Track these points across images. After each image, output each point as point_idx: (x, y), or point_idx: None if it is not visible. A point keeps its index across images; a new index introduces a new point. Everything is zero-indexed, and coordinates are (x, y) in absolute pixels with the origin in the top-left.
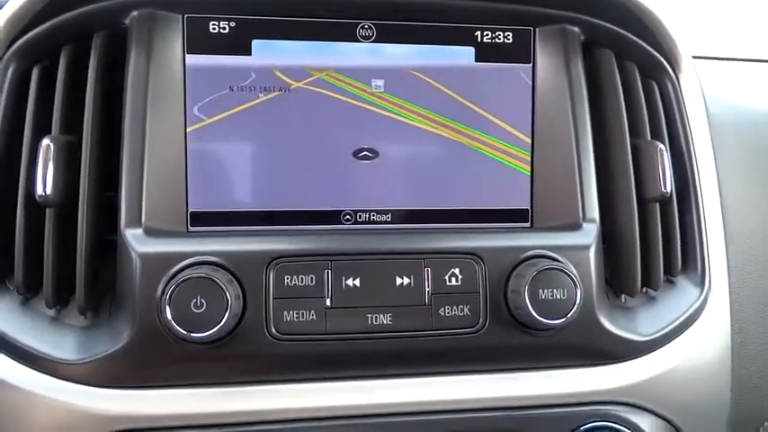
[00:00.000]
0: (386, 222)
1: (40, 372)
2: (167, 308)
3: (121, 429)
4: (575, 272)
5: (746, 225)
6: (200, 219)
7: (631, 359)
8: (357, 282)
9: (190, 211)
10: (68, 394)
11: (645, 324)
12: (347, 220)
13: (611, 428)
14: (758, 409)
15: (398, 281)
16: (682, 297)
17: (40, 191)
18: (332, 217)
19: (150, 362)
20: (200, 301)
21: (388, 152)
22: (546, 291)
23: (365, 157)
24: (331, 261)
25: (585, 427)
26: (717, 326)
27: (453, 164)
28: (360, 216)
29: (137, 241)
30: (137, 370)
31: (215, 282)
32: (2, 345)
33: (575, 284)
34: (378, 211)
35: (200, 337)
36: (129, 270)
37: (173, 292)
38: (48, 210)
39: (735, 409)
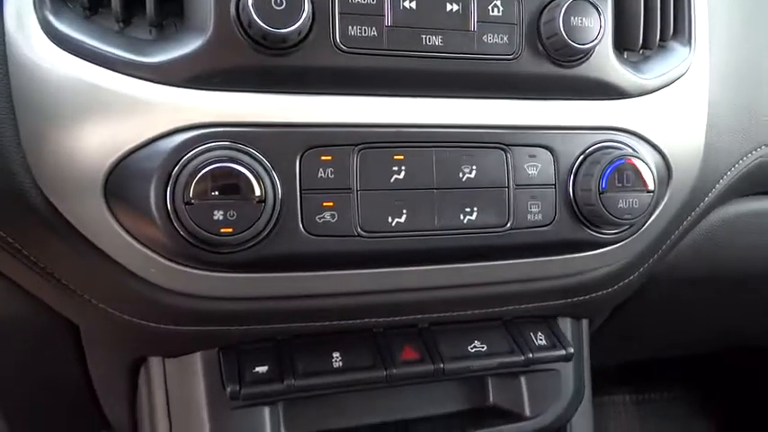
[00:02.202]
0: None
1: (120, 73)
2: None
3: (204, 123)
4: (598, 3)
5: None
6: None
7: (635, 97)
8: (414, 4)
9: None
10: (149, 92)
11: (646, 72)
12: None
13: (614, 147)
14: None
15: (449, 6)
16: (673, 55)
17: None
18: None
19: (225, 64)
20: (280, 1)
21: None
22: (576, 19)
23: None
24: None
25: (598, 144)
26: (700, 79)
27: None
28: None
29: None
30: (213, 71)
31: None
32: (79, 51)
33: (599, 14)
34: None
35: (281, 34)
36: None
37: None
38: None
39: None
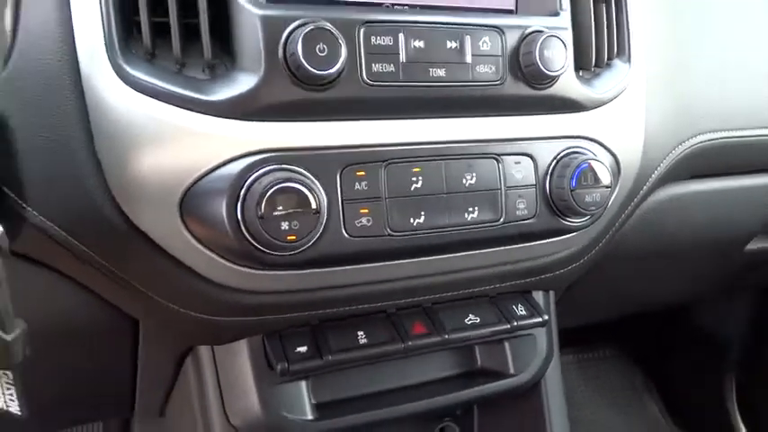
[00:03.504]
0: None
1: (185, 109)
2: (299, 46)
3: (262, 149)
4: (564, 39)
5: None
6: None
7: (591, 110)
8: (422, 44)
9: None
10: (213, 125)
11: (598, 87)
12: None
13: (579, 152)
14: (658, 150)
15: (449, 44)
16: (617, 72)
17: None
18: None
19: (274, 100)
20: (322, 47)
21: None
22: (548, 51)
23: None
24: (403, 27)
25: (567, 150)
26: (638, 91)
27: None
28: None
29: (256, 7)
30: (264, 107)
31: (329, 32)
32: (146, 90)
33: (565, 47)
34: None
35: (324, 75)
36: (250, 27)
37: (300, 39)
38: None
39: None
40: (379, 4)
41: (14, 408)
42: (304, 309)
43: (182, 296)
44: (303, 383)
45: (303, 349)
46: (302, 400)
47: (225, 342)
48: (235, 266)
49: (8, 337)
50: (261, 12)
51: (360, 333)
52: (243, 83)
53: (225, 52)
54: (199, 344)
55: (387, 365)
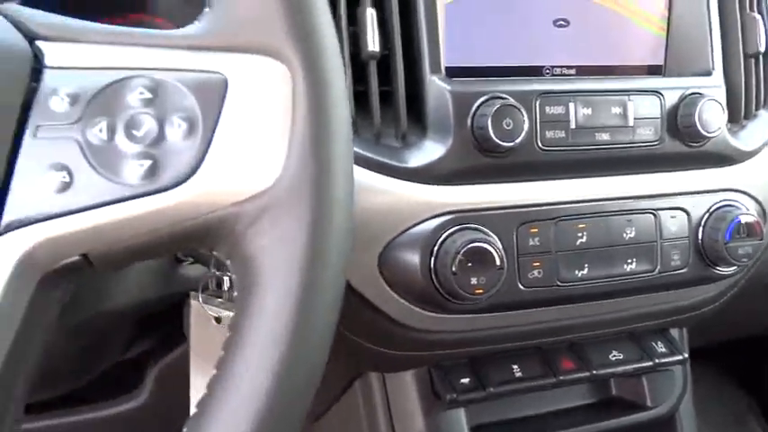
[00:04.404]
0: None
1: (384, 175)
2: (489, 121)
3: (450, 210)
4: (721, 101)
5: None
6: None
7: (740, 162)
8: (590, 111)
9: (444, 65)
10: (409, 189)
11: (746, 139)
12: (546, 72)
13: (732, 205)
14: None
15: (613, 110)
16: (763, 123)
17: (370, 47)
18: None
19: (462, 166)
20: (509, 121)
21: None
22: (705, 114)
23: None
24: (574, 97)
25: (719, 203)
26: None
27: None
28: (555, 70)
29: (445, 82)
30: (452, 172)
31: (515, 107)
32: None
33: (723, 109)
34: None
35: (508, 146)
36: (441, 101)
37: (490, 115)
38: (371, 63)
39: None
40: (541, 69)
41: None
42: (471, 345)
43: (368, 332)
44: (462, 410)
45: (466, 381)
46: (461, 424)
47: (394, 371)
48: (420, 310)
49: None
50: (451, 87)
51: (514, 367)
52: (433, 151)
53: (411, 120)
54: (370, 370)
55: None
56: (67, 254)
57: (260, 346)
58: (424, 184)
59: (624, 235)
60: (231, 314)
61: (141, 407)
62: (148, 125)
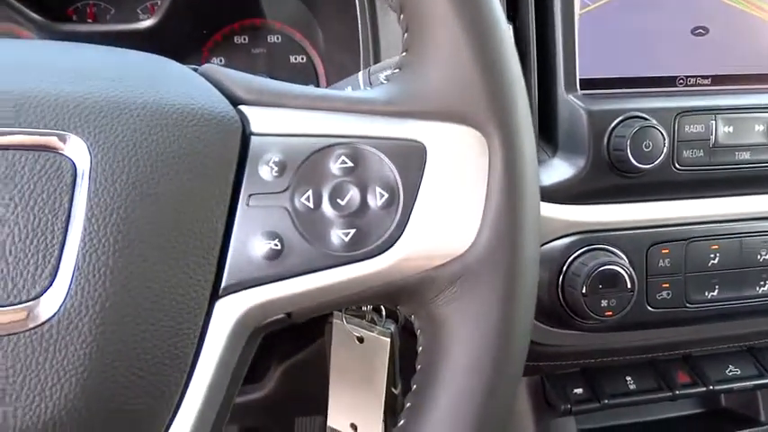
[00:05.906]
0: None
1: None
2: (627, 144)
3: (580, 231)
4: None
5: None
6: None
7: None
8: (731, 129)
9: (579, 77)
10: (543, 209)
11: None
12: (680, 83)
13: None
14: None
15: (756, 127)
16: None
17: None
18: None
19: (595, 186)
20: (648, 143)
21: None
22: None
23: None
24: (716, 114)
25: None
26: None
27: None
28: (690, 80)
29: (580, 101)
30: (585, 192)
31: (655, 129)
32: None
33: None
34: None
35: (646, 168)
36: (578, 122)
37: (629, 137)
38: None
39: None
40: (674, 80)
41: None
42: (587, 357)
43: None
44: (572, 418)
45: (579, 391)
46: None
47: None
48: (541, 324)
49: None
50: (586, 106)
51: (628, 378)
52: (564, 170)
53: (541, 137)
54: None
55: None
56: (275, 313)
57: (441, 422)
58: (552, 203)
59: (759, 257)
60: (373, 335)
61: (264, 398)
62: (351, 194)
